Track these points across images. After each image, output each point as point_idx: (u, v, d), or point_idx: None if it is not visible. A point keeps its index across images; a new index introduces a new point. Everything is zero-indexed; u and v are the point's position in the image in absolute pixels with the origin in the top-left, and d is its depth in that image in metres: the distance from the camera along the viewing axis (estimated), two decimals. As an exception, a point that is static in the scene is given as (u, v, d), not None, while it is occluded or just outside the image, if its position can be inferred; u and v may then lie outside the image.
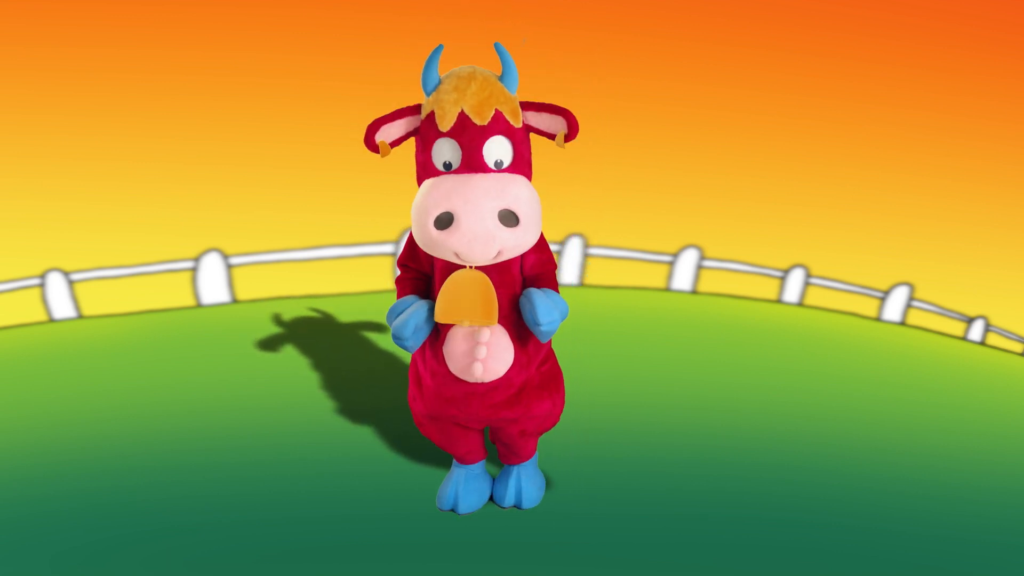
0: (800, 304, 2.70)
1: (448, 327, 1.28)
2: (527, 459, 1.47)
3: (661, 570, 1.33)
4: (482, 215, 1.16)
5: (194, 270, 2.44)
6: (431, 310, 1.27)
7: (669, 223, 2.66)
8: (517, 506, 1.47)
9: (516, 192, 1.19)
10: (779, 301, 2.70)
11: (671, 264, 2.71)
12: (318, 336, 2.18)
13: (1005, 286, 2.57)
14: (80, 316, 2.35)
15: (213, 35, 2.45)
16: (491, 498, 1.49)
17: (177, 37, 2.44)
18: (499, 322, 1.27)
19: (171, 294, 2.42)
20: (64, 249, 2.35)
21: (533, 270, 1.31)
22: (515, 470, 1.46)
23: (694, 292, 2.70)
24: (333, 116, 2.46)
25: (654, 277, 2.71)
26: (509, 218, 1.17)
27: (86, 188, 2.38)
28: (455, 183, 1.18)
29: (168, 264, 2.43)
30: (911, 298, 2.65)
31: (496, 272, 1.25)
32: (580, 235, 2.59)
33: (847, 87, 2.65)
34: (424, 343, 1.32)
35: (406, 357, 2.05)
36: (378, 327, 2.24)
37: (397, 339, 1.26)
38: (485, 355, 1.26)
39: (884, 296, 2.66)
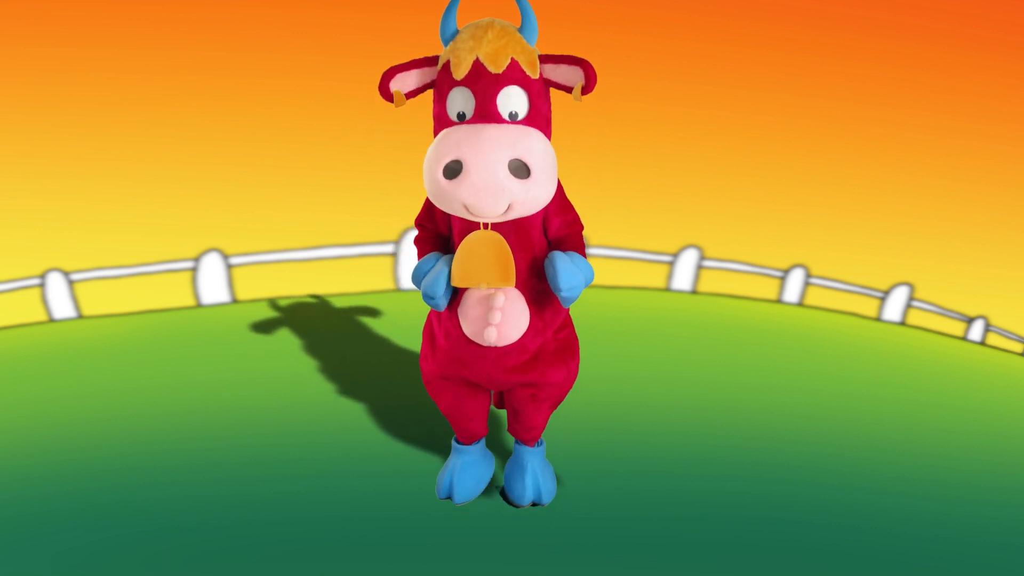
0: (800, 304, 2.70)
1: (464, 289, 1.26)
2: (537, 434, 1.44)
3: (661, 570, 1.33)
4: (492, 165, 1.12)
5: (194, 270, 2.44)
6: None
7: (669, 223, 2.66)
8: (536, 503, 1.45)
9: (529, 143, 1.15)
10: (779, 301, 2.70)
11: (671, 264, 2.71)
12: (318, 336, 2.18)
13: (1005, 286, 2.58)
14: (80, 316, 2.35)
15: (213, 35, 2.45)
16: (503, 497, 1.47)
17: (177, 37, 2.44)
18: (516, 287, 1.24)
19: (171, 294, 2.42)
20: (64, 249, 2.35)
21: (558, 233, 1.29)
22: (528, 465, 1.44)
23: (694, 292, 2.70)
24: (333, 116, 2.47)
25: (654, 277, 2.71)
26: (520, 169, 1.13)
27: (86, 188, 2.38)
28: (467, 132, 1.15)
29: (168, 264, 2.43)
30: (911, 298, 2.65)
31: (514, 234, 1.23)
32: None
33: (847, 87, 2.65)
34: None
35: (407, 357, 2.05)
36: (379, 327, 2.24)
37: (428, 298, 1.24)
38: (500, 320, 1.24)
39: (884, 296, 2.66)
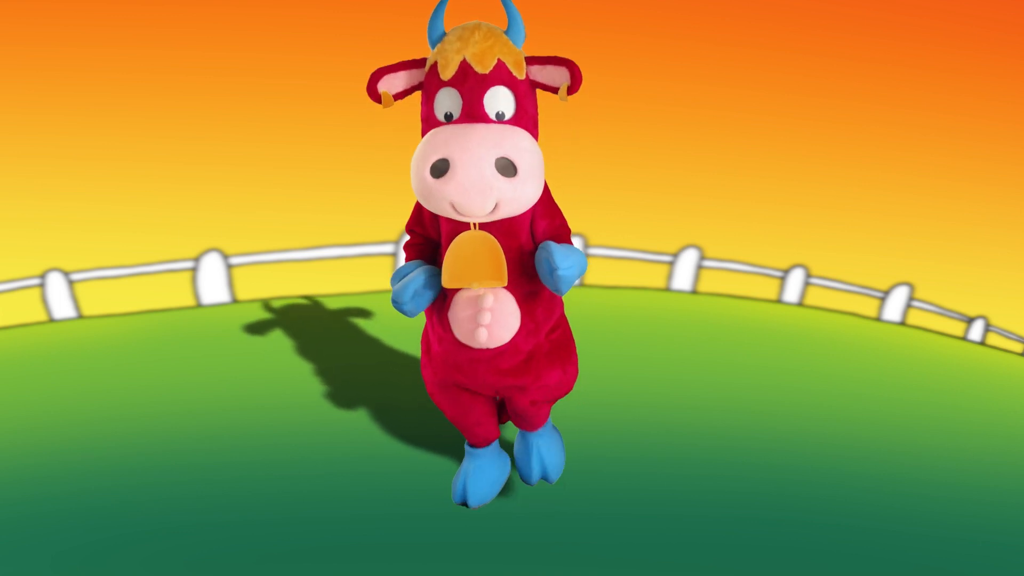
0: (800, 304, 2.70)
1: (454, 292, 1.26)
2: (540, 426, 1.45)
3: (661, 570, 1.33)
4: (479, 163, 1.13)
5: (194, 270, 2.44)
6: (431, 275, 1.26)
7: (669, 223, 2.66)
8: (545, 479, 1.46)
9: (515, 142, 1.16)
10: (779, 301, 2.70)
11: (671, 264, 2.71)
12: (318, 336, 2.18)
13: (1005, 286, 2.57)
14: (80, 316, 2.35)
15: (213, 35, 2.45)
16: (510, 480, 1.48)
17: (177, 37, 2.44)
18: (506, 287, 1.25)
19: (171, 294, 2.42)
20: (64, 249, 2.35)
21: (546, 235, 1.29)
22: (533, 443, 1.45)
23: (694, 292, 2.70)
24: (333, 116, 2.46)
25: (654, 277, 2.71)
26: (507, 168, 1.14)
27: (86, 188, 2.38)
28: (453, 132, 1.16)
29: (168, 264, 2.42)
30: (911, 298, 2.65)
31: (502, 235, 1.23)
32: (580, 235, 2.59)
33: (847, 87, 2.65)
34: (432, 309, 1.31)
35: (407, 357, 2.05)
36: (378, 327, 2.24)
37: (395, 303, 1.25)
38: (489, 320, 1.24)
39: (884, 296, 2.66)
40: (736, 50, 2.63)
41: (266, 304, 2.38)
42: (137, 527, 1.38)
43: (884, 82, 2.65)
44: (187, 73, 2.45)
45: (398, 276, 1.29)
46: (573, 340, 1.40)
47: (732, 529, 1.43)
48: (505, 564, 1.33)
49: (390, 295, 1.28)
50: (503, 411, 1.56)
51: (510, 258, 1.25)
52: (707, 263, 2.70)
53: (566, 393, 1.41)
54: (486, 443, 1.46)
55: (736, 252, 2.70)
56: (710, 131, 2.65)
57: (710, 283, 2.70)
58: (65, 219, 2.35)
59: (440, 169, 1.14)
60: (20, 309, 2.31)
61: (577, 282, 1.30)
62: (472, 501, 1.43)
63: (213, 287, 2.45)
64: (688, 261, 2.70)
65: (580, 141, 2.42)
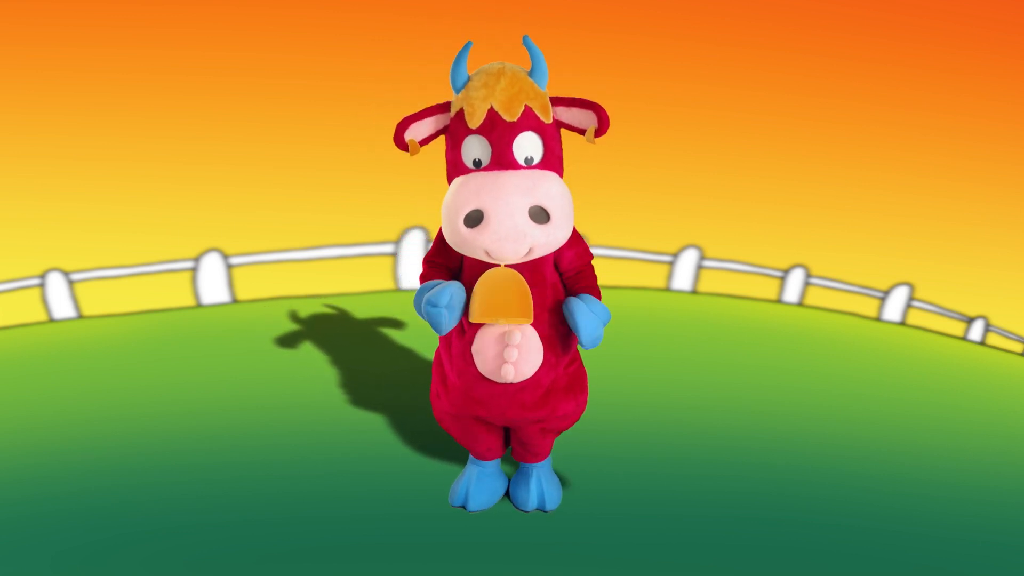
0: (800, 304, 2.70)
1: (476, 327, 1.26)
2: (543, 458, 1.45)
3: (661, 570, 1.33)
4: (512, 212, 1.15)
5: (194, 270, 2.44)
6: (461, 290, 1.24)
7: (669, 223, 2.66)
8: (540, 509, 1.45)
9: (547, 188, 1.18)
10: (779, 301, 2.70)
11: (671, 264, 2.71)
12: (318, 336, 2.18)
13: (1005, 286, 2.57)
14: (80, 316, 2.35)
15: (213, 35, 2.45)
16: (507, 496, 1.48)
17: (177, 37, 2.44)
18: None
19: (171, 294, 2.42)
20: (64, 249, 2.35)
21: (571, 265, 1.30)
22: (533, 473, 1.45)
23: (694, 292, 2.70)
24: (333, 116, 2.47)
25: (654, 277, 2.71)
26: (540, 215, 1.16)
27: (86, 188, 2.38)
28: (485, 180, 1.18)
29: (168, 264, 2.42)
30: (911, 298, 2.65)
31: (528, 271, 1.24)
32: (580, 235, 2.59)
33: (847, 87, 2.65)
34: (451, 342, 1.31)
35: (407, 357, 2.05)
36: (379, 327, 2.24)
37: (433, 307, 1.21)
38: (516, 357, 1.25)
39: (884, 296, 2.66)
40: (736, 50, 2.63)
41: (266, 304, 2.38)
42: (137, 527, 1.38)
43: (884, 82, 2.65)
44: (187, 73, 2.45)
45: (426, 289, 1.27)
46: (585, 372, 1.41)
47: (732, 529, 1.43)
48: (505, 564, 1.33)
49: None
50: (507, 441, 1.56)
51: (535, 293, 1.25)
52: (707, 263, 2.70)
53: (573, 423, 1.41)
54: (490, 459, 1.47)
55: (736, 252, 2.70)
56: (710, 131, 2.65)
57: (710, 283, 2.70)
58: (65, 219, 2.35)
59: (475, 219, 1.16)
60: (20, 309, 2.31)
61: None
62: (471, 506, 1.43)
63: (213, 287, 2.45)
64: (688, 261, 2.70)
65: (595, 143, 2.42)
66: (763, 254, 2.69)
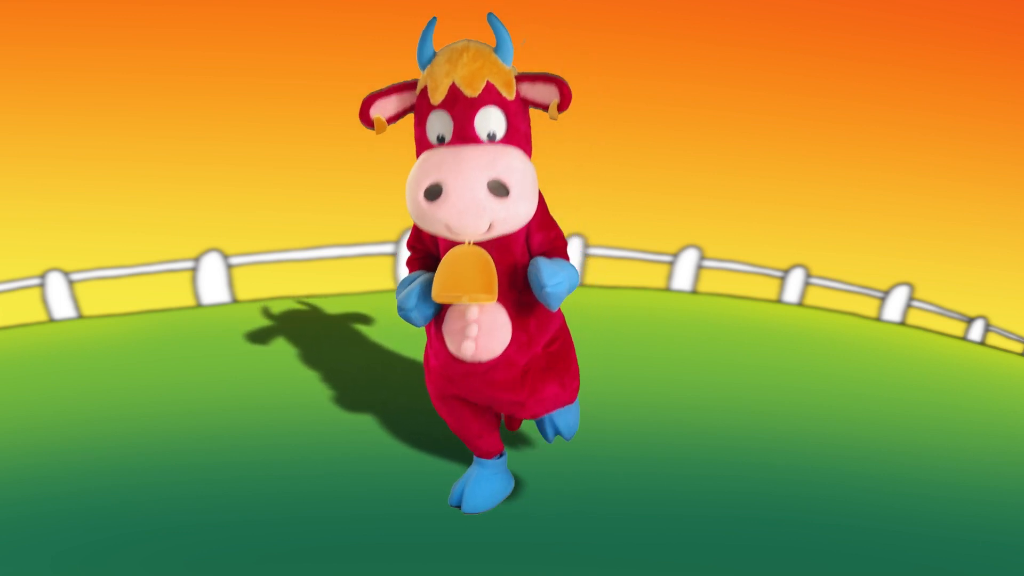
0: (800, 304, 2.70)
1: (447, 306, 1.27)
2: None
3: (661, 570, 1.33)
4: (472, 185, 1.15)
5: (194, 270, 2.44)
6: (429, 284, 1.26)
7: (669, 223, 2.66)
8: (560, 434, 1.46)
9: (507, 163, 1.17)
10: (779, 301, 2.70)
11: (671, 264, 2.71)
12: (318, 336, 2.18)
13: (1005, 286, 2.57)
14: (80, 316, 2.35)
15: (213, 35, 2.45)
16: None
17: (177, 37, 2.44)
18: (498, 300, 1.24)
19: (171, 294, 2.42)
20: (64, 249, 2.35)
21: (541, 248, 1.30)
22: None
23: (694, 292, 2.70)
24: (333, 116, 2.46)
25: (654, 277, 2.71)
26: (499, 188, 1.16)
27: (86, 188, 2.38)
28: (446, 155, 1.18)
29: (168, 264, 2.43)
30: (911, 298, 2.65)
31: (496, 251, 1.23)
32: (580, 235, 2.59)
33: (847, 87, 2.65)
34: (431, 323, 1.32)
35: (406, 357, 2.05)
36: (378, 327, 2.24)
37: (401, 310, 1.26)
38: (476, 333, 1.25)
39: (884, 296, 2.66)
40: (736, 50, 2.63)
41: (266, 304, 2.38)
42: (137, 527, 1.38)
43: (884, 82, 2.65)
44: (187, 73, 2.45)
45: (403, 286, 1.30)
46: (574, 352, 1.40)
47: (732, 529, 1.43)
48: (505, 564, 1.33)
49: (394, 298, 1.28)
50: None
51: (503, 272, 1.25)
52: (707, 263, 2.70)
53: (568, 403, 1.41)
54: (491, 456, 1.46)
55: (736, 252, 2.70)
56: (710, 131, 2.65)
57: (710, 283, 2.70)
58: (65, 219, 2.35)
59: (433, 193, 1.16)
60: (20, 309, 2.31)
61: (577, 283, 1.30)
62: (465, 507, 1.42)
63: (213, 287, 2.45)
64: (688, 261, 2.70)
65: (599, 143, 2.43)
66: (763, 254, 2.69)
